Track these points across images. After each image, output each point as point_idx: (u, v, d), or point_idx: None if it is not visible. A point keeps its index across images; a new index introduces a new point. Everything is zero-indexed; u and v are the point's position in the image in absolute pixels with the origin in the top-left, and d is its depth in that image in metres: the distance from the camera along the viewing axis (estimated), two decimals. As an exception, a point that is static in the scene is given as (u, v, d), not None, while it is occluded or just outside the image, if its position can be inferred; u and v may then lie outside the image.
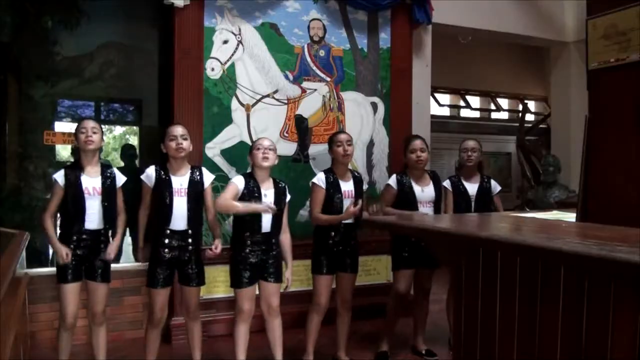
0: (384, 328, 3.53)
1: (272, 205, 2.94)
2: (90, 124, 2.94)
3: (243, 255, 2.98)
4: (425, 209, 3.41)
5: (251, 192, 2.98)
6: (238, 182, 2.99)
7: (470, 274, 1.68)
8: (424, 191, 3.43)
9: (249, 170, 3.14)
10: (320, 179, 3.25)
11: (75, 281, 2.89)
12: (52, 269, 2.94)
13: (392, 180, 3.46)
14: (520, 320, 1.50)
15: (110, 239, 3.03)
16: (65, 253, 2.81)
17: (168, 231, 2.93)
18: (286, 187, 3.15)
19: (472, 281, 1.68)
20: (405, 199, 3.39)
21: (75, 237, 2.89)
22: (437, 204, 3.48)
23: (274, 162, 3.05)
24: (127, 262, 4.50)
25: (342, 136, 3.30)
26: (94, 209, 2.91)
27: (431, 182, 3.49)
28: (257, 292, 3.07)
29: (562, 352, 1.37)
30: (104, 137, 3.10)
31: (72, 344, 2.98)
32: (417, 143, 3.40)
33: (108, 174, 2.99)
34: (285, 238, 3.13)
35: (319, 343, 3.36)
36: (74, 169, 2.94)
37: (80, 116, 5.59)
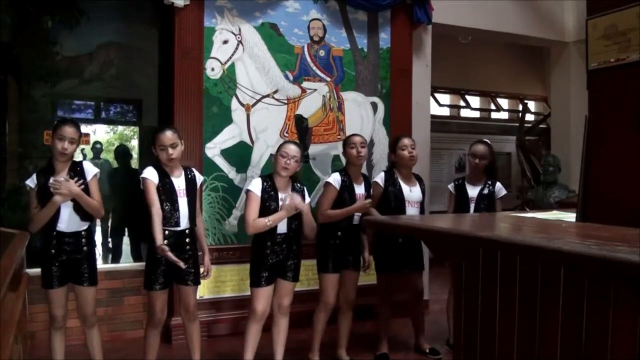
0: (378, 331, 3.55)
1: (294, 201, 2.94)
2: (70, 133, 2.81)
3: (263, 255, 3.00)
4: (412, 209, 3.42)
5: (268, 196, 3.01)
6: (256, 189, 2.99)
7: (470, 274, 1.68)
8: (412, 191, 3.46)
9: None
10: (335, 179, 3.29)
11: (61, 286, 2.87)
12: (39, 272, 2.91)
13: (380, 178, 3.47)
14: (520, 320, 1.50)
15: (93, 239, 2.99)
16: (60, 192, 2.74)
17: (167, 232, 2.91)
18: (305, 189, 3.17)
19: (472, 281, 1.68)
20: (393, 198, 3.40)
21: (55, 242, 2.85)
22: (423, 205, 3.52)
23: (294, 171, 3.07)
24: (127, 262, 4.50)
25: (356, 138, 3.36)
26: (66, 211, 2.84)
27: (417, 184, 3.52)
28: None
29: (562, 352, 1.37)
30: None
31: (70, 344, 2.98)
32: (408, 141, 3.45)
33: (75, 170, 2.88)
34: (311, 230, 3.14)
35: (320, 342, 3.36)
36: (46, 172, 2.85)
37: (79, 116, 5.59)
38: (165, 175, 2.94)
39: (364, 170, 4.34)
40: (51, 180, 2.78)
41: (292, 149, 3.04)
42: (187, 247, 2.97)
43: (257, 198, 2.98)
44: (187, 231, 2.97)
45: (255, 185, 3.01)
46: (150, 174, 2.90)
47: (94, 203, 2.89)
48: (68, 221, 2.86)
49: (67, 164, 2.91)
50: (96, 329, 3.01)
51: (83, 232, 2.91)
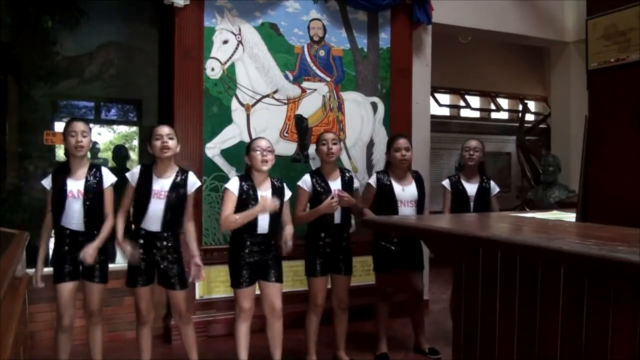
0: (377, 330, 3.54)
1: (268, 202, 2.90)
2: (80, 127, 2.86)
3: (241, 255, 2.96)
4: (406, 209, 3.39)
5: (247, 195, 2.96)
6: (233, 187, 2.96)
7: (470, 274, 1.68)
8: (405, 190, 3.42)
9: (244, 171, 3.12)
10: (305, 181, 3.26)
11: (72, 280, 2.87)
12: (52, 269, 2.92)
13: (373, 179, 3.48)
14: (520, 320, 1.50)
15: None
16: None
17: (143, 232, 2.92)
18: (284, 185, 3.12)
19: (472, 281, 1.68)
20: (385, 198, 3.39)
21: (68, 240, 2.87)
22: (420, 204, 3.44)
23: (272, 163, 3.03)
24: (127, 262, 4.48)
25: (328, 135, 3.32)
26: (75, 211, 2.86)
27: (414, 182, 3.46)
28: (258, 292, 3.07)
29: (562, 352, 1.37)
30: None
31: (71, 344, 2.97)
32: (402, 142, 3.40)
33: (93, 175, 2.93)
34: (289, 228, 3.05)
35: (318, 343, 3.36)
36: (62, 172, 2.89)
37: (79, 116, 5.59)
38: (145, 178, 2.93)
39: (364, 170, 4.36)
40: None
41: (264, 142, 3.02)
42: (163, 251, 2.92)
43: (233, 196, 2.93)
44: (163, 234, 2.92)
45: (233, 184, 2.97)
46: (130, 175, 2.98)
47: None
48: (77, 222, 2.88)
49: (83, 163, 2.93)
50: (100, 327, 3.01)
51: (94, 232, 2.92)
